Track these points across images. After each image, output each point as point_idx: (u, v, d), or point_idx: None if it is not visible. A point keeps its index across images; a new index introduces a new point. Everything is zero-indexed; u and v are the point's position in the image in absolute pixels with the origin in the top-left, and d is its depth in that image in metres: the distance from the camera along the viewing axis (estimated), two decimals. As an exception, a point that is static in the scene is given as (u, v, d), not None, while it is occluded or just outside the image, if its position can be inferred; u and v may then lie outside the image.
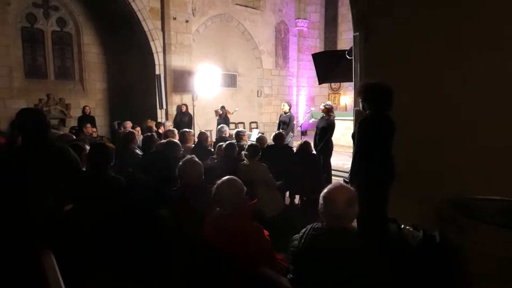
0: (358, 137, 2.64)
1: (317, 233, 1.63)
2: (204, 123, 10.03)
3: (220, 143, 4.34)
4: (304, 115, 12.06)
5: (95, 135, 6.93)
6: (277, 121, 7.16)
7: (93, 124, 7.94)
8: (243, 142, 5.05)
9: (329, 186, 1.68)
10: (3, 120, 7.45)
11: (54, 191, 2.20)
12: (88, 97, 9.95)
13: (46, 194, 2.15)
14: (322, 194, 1.66)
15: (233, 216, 2.01)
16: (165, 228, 2.66)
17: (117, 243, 2.51)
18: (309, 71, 13.09)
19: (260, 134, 6.22)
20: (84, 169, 2.86)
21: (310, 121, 10.57)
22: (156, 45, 9.13)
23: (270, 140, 5.28)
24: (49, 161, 2.16)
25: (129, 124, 6.90)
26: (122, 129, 6.80)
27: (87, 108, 8.87)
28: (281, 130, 6.01)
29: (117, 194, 2.62)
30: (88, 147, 3.07)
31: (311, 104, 12.85)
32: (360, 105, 2.76)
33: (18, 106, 8.29)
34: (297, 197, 4.70)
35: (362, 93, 2.69)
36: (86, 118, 8.45)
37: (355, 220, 1.70)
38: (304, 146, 4.49)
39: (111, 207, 2.54)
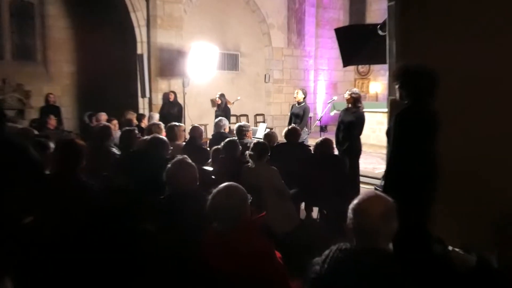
0: (394, 134, 2.62)
1: (344, 255, 1.61)
2: (198, 115, 10.05)
3: (216, 146, 4.32)
4: (324, 106, 12.04)
5: (61, 129, 6.95)
6: (289, 113, 7.15)
7: (59, 116, 7.98)
8: (247, 140, 5.06)
9: (360, 196, 1.66)
10: None
11: (10, 199, 2.20)
12: (53, 83, 10.01)
13: (1, 203, 2.16)
14: (351, 206, 1.64)
15: (236, 233, 2.00)
16: (149, 247, 2.66)
17: (89, 265, 2.51)
18: (330, 50, 13.04)
19: (268, 130, 6.22)
20: (48, 172, 2.87)
21: (332, 114, 10.58)
22: (138, 18, 9.16)
23: (281, 138, 5.27)
24: (5, 162, 2.16)
25: (103, 117, 6.94)
26: (95, 123, 6.84)
27: (52, 96, 8.93)
28: (294, 125, 5.99)
29: (89, 203, 2.62)
30: (53, 145, 3.08)
31: (332, 92, 12.81)
32: (397, 94, 2.75)
33: (-34, 94, 8.38)
34: (316, 209, 4.70)
35: (399, 78, 2.68)
36: (50, 109, 8.50)
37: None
38: (324, 145, 4.47)
39: (81, 220, 2.54)
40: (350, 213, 1.64)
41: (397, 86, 2.72)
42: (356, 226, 1.62)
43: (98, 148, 4.18)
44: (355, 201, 1.65)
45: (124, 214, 2.93)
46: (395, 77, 2.73)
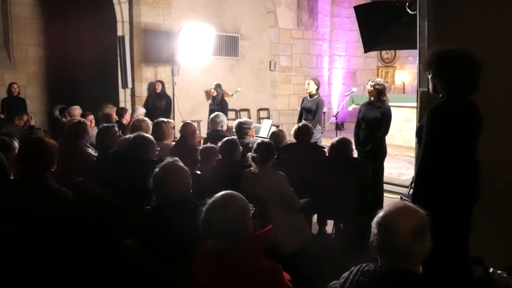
0: (426, 134, 2.62)
1: (367, 278, 1.61)
2: (190, 109, 10.07)
3: (207, 145, 4.33)
4: (341, 99, 12.04)
5: (27, 126, 6.98)
6: (299, 108, 7.14)
7: (24, 110, 8.02)
8: (248, 139, 5.08)
9: (387, 208, 1.65)
10: None
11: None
12: (16, 70, 10.04)
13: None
14: (375, 219, 1.64)
15: (235, 251, 2.00)
16: (131, 265, 2.66)
17: (59, 285, 2.53)
18: (349, 32, 13.04)
19: (275, 128, 6.23)
20: (11, 176, 2.89)
21: (350, 109, 10.59)
22: (118, -8, 9.18)
23: (289, 137, 5.28)
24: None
25: (77, 111, 6.98)
26: (68, 118, 6.85)
27: (15, 86, 8.97)
28: (305, 121, 6.00)
29: (61, 214, 2.64)
30: (17, 144, 3.11)
31: (350, 83, 12.82)
32: (429, 85, 2.74)
33: None
34: (330, 222, 4.71)
35: (432, 66, 2.67)
36: (14, 101, 8.55)
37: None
38: (341, 146, 4.48)
39: (51, 233, 2.56)
40: (374, 228, 1.64)
41: (429, 76, 2.72)
42: (382, 244, 1.61)
43: (71, 148, 4.21)
44: (380, 214, 1.64)
45: (102, 228, 2.96)
46: (427, 65, 2.72)
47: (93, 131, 5.11)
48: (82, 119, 4.89)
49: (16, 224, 2.51)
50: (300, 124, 4.98)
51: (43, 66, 10.48)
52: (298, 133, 4.80)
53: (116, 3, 9.22)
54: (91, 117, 6.41)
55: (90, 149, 4.39)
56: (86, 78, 9.95)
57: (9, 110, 8.03)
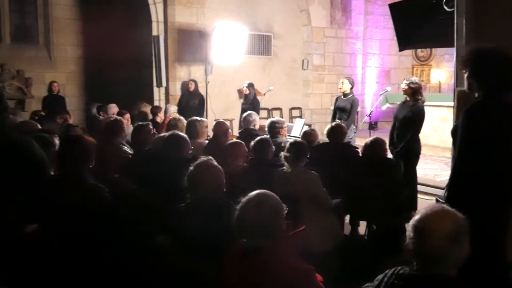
0: (462, 134, 2.57)
1: (402, 282, 1.59)
2: (223, 108, 10.14)
3: (232, 141, 4.34)
4: (375, 98, 11.87)
5: (66, 123, 7.17)
6: (332, 107, 7.09)
7: (63, 108, 8.25)
8: (281, 139, 5.07)
9: (424, 211, 1.62)
10: None
11: (11, 204, 2.30)
12: (56, 69, 10.37)
13: (2, 208, 2.25)
14: (412, 222, 1.62)
15: (268, 251, 2.00)
16: (164, 263, 2.70)
17: (94, 279, 2.59)
18: (383, 30, 12.84)
19: (307, 127, 6.20)
20: (52, 172, 2.98)
21: (384, 108, 10.43)
22: (153, -8, 9.33)
23: (322, 136, 5.24)
24: (7, 160, 2.26)
25: (114, 109, 7.13)
26: (104, 116, 7.02)
27: (55, 84, 9.27)
28: (339, 121, 5.95)
29: (98, 209, 2.69)
30: (57, 141, 3.19)
31: (385, 82, 12.63)
32: (466, 84, 2.68)
33: (-40, 81, 8.80)
34: (363, 223, 4.67)
35: (469, 65, 2.61)
36: (54, 99, 8.82)
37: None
38: (375, 146, 4.43)
39: (89, 228, 2.62)
40: (410, 231, 1.62)
41: (466, 75, 2.66)
42: (418, 247, 1.59)
43: (107, 145, 4.29)
44: (417, 217, 1.62)
45: (136, 224, 3.01)
46: (464, 63, 2.66)
47: (128, 129, 5.21)
48: (118, 117, 4.97)
49: (55, 218, 2.58)
50: (333, 124, 4.94)
51: (81, 65, 10.77)
52: (331, 132, 4.76)
53: (151, 3, 9.38)
54: (127, 115, 6.52)
55: (125, 147, 4.47)
56: (122, 77, 10.17)
57: (49, 108, 8.29)
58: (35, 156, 2.42)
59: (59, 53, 10.49)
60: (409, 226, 1.63)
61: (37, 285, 2.43)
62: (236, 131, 8.45)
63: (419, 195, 5.53)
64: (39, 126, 4.53)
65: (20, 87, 9.65)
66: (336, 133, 4.76)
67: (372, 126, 9.33)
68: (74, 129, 7.21)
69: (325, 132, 4.90)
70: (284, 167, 3.75)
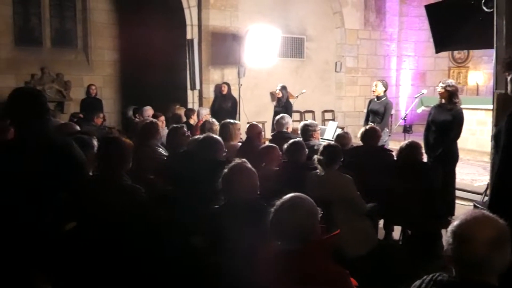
0: (505, 138, 2.50)
1: (441, 289, 1.56)
2: (255, 111, 10.17)
3: (266, 144, 4.34)
4: (410, 101, 11.65)
5: (103, 125, 7.37)
6: (365, 110, 7.01)
7: (100, 110, 8.46)
8: (314, 141, 5.05)
9: (464, 217, 1.59)
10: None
11: (53, 203, 2.37)
12: (93, 72, 10.65)
13: (44, 206, 2.33)
14: (451, 228, 1.59)
15: (302, 254, 2.00)
16: (198, 264, 2.73)
17: (130, 277, 2.64)
18: (418, 32, 12.61)
19: (340, 130, 6.15)
20: (90, 173, 3.06)
21: (419, 111, 10.21)
22: (188, -3, 9.45)
23: (355, 140, 5.18)
24: (49, 161, 2.33)
25: (149, 112, 7.25)
26: (140, 118, 7.16)
27: (93, 87, 9.50)
28: (373, 124, 5.88)
29: (136, 210, 2.75)
30: (96, 143, 3.27)
31: (420, 84, 12.39)
32: (508, 86, 2.61)
33: (4, 84, 9.15)
34: (398, 228, 4.61)
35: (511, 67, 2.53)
36: (92, 102, 9.05)
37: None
38: (410, 150, 4.35)
39: (126, 228, 2.68)
40: (449, 237, 1.59)
41: (508, 77, 2.59)
42: (458, 254, 1.56)
43: (143, 147, 4.37)
44: (456, 222, 1.59)
45: (171, 225, 3.06)
46: (505, 66, 2.59)
47: (164, 131, 5.29)
48: (154, 120, 5.06)
49: (94, 218, 2.65)
50: (367, 127, 4.89)
51: (118, 68, 11.02)
52: (365, 136, 4.72)
53: (186, 7, 9.51)
54: (162, 118, 6.62)
55: (160, 149, 4.54)
56: (156, 80, 10.34)
57: (87, 110, 8.51)
58: (75, 157, 2.49)
59: (97, 56, 10.77)
60: (448, 232, 1.61)
61: (77, 281, 2.50)
62: (268, 133, 8.47)
63: (457, 201, 5.42)
64: (78, 128, 4.66)
65: (59, 90, 9.96)
66: (370, 136, 4.71)
67: (407, 129, 9.17)
68: (111, 131, 7.42)
69: (358, 135, 4.86)
70: (318, 170, 3.74)
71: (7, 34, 9.73)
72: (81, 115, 7.89)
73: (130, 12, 10.46)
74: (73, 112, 8.98)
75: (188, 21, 9.57)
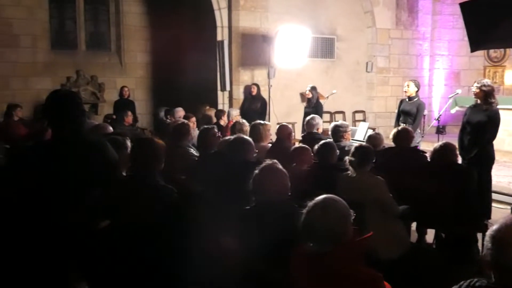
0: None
1: (480, 295, 1.53)
2: (285, 112, 10.15)
3: (298, 145, 4.32)
4: (444, 101, 11.38)
5: (135, 126, 7.50)
6: (397, 111, 6.90)
7: (133, 112, 8.61)
8: (344, 142, 5.02)
9: (503, 221, 1.55)
10: (25, 104, 8.52)
11: (88, 202, 2.43)
12: (126, 74, 10.87)
13: (79, 206, 2.38)
14: (490, 232, 1.55)
15: (335, 256, 1.98)
16: (228, 264, 2.74)
17: (161, 276, 2.67)
18: (452, 30, 12.31)
19: (371, 131, 6.08)
20: (124, 173, 3.11)
21: (453, 111, 9.97)
22: (218, -1, 9.52)
23: (387, 141, 5.11)
24: (84, 161, 2.39)
25: (180, 113, 7.34)
26: (171, 119, 7.25)
27: (126, 89, 9.69)
28: (405, 125, 5.79)
29: (168, 210, 2.78)
30: (129, 143, 3.33)
31: (454, 84, 12.09)
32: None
33: (42, 86, 9.47)
34: (431, 231, 4.54)
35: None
36: (125, 103, 9.22)
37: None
38: (445, 151, 4.26)
39: (158, 228, 2.71)
40: (488, 242, 1.55)
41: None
42: (496, 259, 1.52)
43: (175, 148, 4.43)
44: (496, 227, 1.55)
45: (202, 225, 3.08)
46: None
47: (195, 132, 5.34)
48: (185, 121, 5.12)
49: (127, 218, 2.69)
50: (399, 128, 4.83)
51: (149, 70, 11.21)
52: (398, 137, 4.64)
53: (216, 9, 9.57)
54: (194, 119, 6.69)
55: (192, 149, 4.59)
56: (187, 81, 10.45)
57: (120, 111, 8.66)
58: (109, 157, 2.54)
59: (129, 59, 10.98)
60: (486, 236, 1.57)
61: (110, 280, 2.55)
62: (298, 134, 8.43)
63: (493, 204, 5.28)
64: (111, 129, 4.76)
65: (93, 92, 10.20)
66: (402, 137, 4.64)
67: (440, 130, 8.93)
68: (143, 132, 7.55)
69: (391, 136, 4.79)
70: (349, 172, 3.71)
71: (44, 38, 10.04)
72: (114, 117, 8.05)
73: (162, 15, 10.62)
74: (107, 114, 9.20)
75: (218, 23, 9.63)
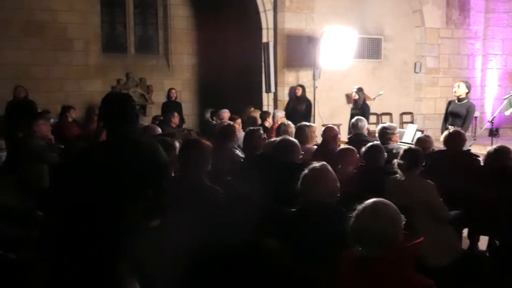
0: None
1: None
2: (330, 113, 10.06)
3: (343, 147, 4.26)
4: (497, 103, 10.93)
5: (182, 127, 7.64)
6: (444, 112, 6.70)
7: (180, 113, 8.78)
8: (392, 145, 4.94)
9: None
10: (78, 106, 8.86)
11: (141, 202, 2.49)
12: (173, 77, 11.12)
13: (133, 206, 2.45)
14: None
15: (384, 261, 1.95)
16: (272, 266, 2.74)
17: (208, 278, 2.69)
18: (506, 29, 11.81)
19: (420, 133, 5.94)
20: (172, 174, 3.18)
21: (507, 113, 9.53)
22: (264, 1, 9.56)
23: (437, 143, 5.00)
24: (138, 162, 2.46)
25: (226, 114, 7.42)
26: (217, 121, 7.34)
27: (173, 91, 9.91)
28: (456, 127, 5.60)
29: (215, 210, 2.82)
30: (178, 145, 3.40)
31: (508, 85, 11.59)
32: None
33: (93, 89, 9.85)
34: (484, 238, 4.44)
35: None
36: (172, 105, 9.42)
37: None
38: (499, 155, 4.13)
39: (205, 228, 2.75)
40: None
41: None
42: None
43: (220, 149, 4.47)
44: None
45: (247, 226, 3.10)
46: None
47: (240, 133, 5.38)
48: (231, 122, 5.17)
49: (175, 217, 2.74)
50: (451, 130, 4.67)
51: (196, 72, 11.41)
52: (449, 139, 4.51)
53: (261, 11, 9.61)
54: (239, 120, 6.74)
55: (237, 151, 4.62)
56: (232, 83, 10.56)
57: (167, 113, 8.86)
58: (161, 158, 2.59)
59: (177, 61, 11.23)
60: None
61: (161, 278, 2.60)
62: (344, 136, 8.34)
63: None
64: (159, 130, 4.87)
65: (142, 94, 10.52)
66: (454, 140, 4.50)
67: (494, 132, 8.58)
68: (189, 133, 7.69)
69: (441, 138, 4.66)
70: (397, 175, 3.64)
71: (96, 42, 10.45)
72: (161, 118, 8.24)
73: (208, 17, 10.80)
74: (155, 115, 9.43)
75: (263, 25, 9.67)
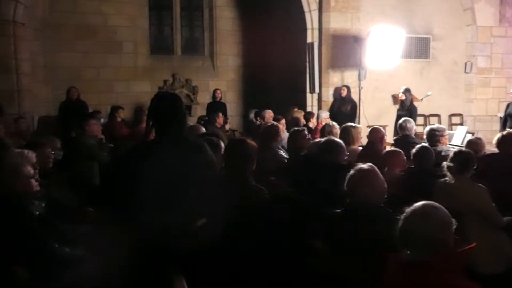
0: None
1: None
2: (375, 114, 9.88)
3: (390, 149, 4.17)
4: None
5: (226, 128, 7.73)
6: (500, 114, 6.44)
7: (225, 114, 8.88)
8: (441, 147, 4.82)
9: None
10: (127, 106, 9.14)
11: (189, 202, 2.54)
12: (218, 77, 11.27)
13: (183, 205, 2.50)
14: None
15: (433, 266, 1.91)
16: (316, 267, 2.73)
17: (250, 276, 2.71)
18: None
19: (470, 135, 5.76)
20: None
21: None
22: (309, 1, 9.52)
23: (489, 146, 4.86)
24: (186, 161, 2.51)
25: (270, 114, 7.43)
26: (261, 121, 7.37)
27: (219, 92, 10.04)
28: (510, 130, 5.38)
29: (259, 210, 2.83)
30: (223, 144, 3.44)
31: None
32: None
33: (141, 89, 10.14)
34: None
35: None
36: (217, 105, 9.55)
37: None
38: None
39: (250, 227, 2.77)
40: None
41: None
42: None
43: (265, 149, 4.50)
44: None
45: (292, 227, 3.10)
46: None
47: (284, 134, 5.38)
48: (275, 123, 5.19)
49: (223, 216, 2.77)
50: (504, 132, 4.50)
51: (240, 73, 11.51)
52: (503, 142, 4.35)
53: (306, 11, 9.57)
54: (283, 121, 6.73)
55: (281, 151, 4.63)
56: (276, 83, 10.57)
57: (212, 113, 8.98)
58: (208, 157, 2.64)
59: (222, 62, 11.37)
60: None
61: (206, 278, 2.64)
62: (390, 138, 8.18)
63: None
64: (204, 130, 4.95)
65: (188, 94, 10.71)
66: (508, 142, 4.33)
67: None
68: (233, 134, 7.75)
69: (494, 141, 4.50)
70: (447, 178, 3.55)
71: (144, 44, 10.76)
72: (206, 118, 8.36)
73: (253, 18, 10.87)
74: (200, 115, 9.59)
75: (308, 25, 9.63)
